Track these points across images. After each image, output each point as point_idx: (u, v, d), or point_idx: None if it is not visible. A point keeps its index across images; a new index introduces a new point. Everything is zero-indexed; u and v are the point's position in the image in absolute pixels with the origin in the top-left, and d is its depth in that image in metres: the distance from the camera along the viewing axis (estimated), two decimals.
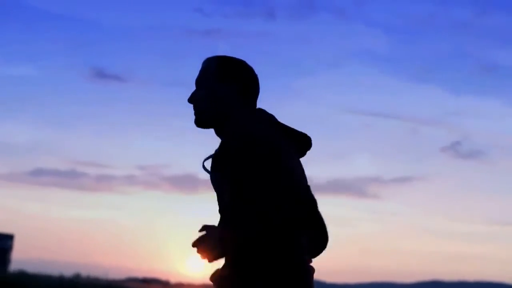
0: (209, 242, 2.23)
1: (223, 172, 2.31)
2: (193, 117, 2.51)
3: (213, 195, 2.46)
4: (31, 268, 24.12)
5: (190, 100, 2.51)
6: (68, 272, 23.58)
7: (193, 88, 2.53)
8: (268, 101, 2.59)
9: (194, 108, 2.51)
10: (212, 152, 2.39)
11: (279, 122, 2.45)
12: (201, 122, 2.50)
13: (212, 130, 2.51)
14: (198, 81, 2.52)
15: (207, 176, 2.40)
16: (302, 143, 2.47)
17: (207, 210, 2.66)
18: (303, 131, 2.48)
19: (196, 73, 2.56)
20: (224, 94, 2.46)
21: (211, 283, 2.39)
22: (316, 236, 2.38)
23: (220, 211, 2.40)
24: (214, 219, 2.51)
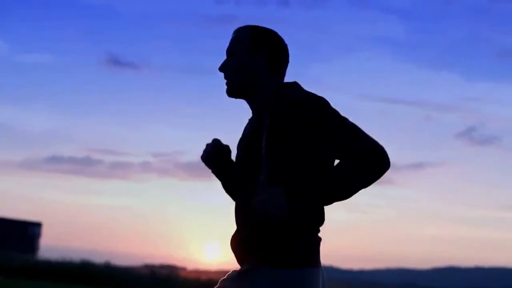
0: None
1: (290, 127, 2.34)
2: (224, 87, 2.54)
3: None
4: (54, 255, 24.59)
5: (221, 69, 2.53)
6: (85, 258, 24.05)
7: (207, 73, 2.67)
8: None
9: (225, 78, 2.52)
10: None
11: None
12: (233, 92, 2.52)
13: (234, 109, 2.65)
14: (230, 51, 2.53)
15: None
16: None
17: (222, 197, 2.67)
18: None
19: (210, 60, 2.50)
20: (256, 64, 2.48)
21: (226, 269, 2.45)
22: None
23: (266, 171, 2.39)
24: (228, 205, 2.59)
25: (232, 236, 2.48)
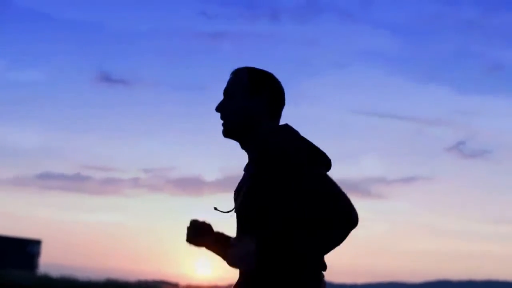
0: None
1: (270, 175, 2.36)
2: (220, 127, 2.55)
3: (218, 197, 2.58)
4: (55, 273, 24.54)
5: (218, 109, 2.54)
6: (81, 275, 24.03)
7: (198, 90, 2.64)
8: None
9: (222, 118, 2.53)
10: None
11: (304, 138, 2.48)
12: (230, 133, 2.53)
13: (227, 141, 2.58)
14: (228, 92, 2.54)
15: (212, 178, 2.57)
16: (324, 161, 2.46)
17: (213, 212, 2.70)
18: (309, 132, 2.51)
19: (201, 76, 2.59)
20: (254, 108, 2.49)
21: (219, 284, 2.60)
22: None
23: (243, 219, 2.46)
24: (220, 220, 2.63)
25: (234, 286, 2.49)
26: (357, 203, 2.33)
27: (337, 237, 2.30)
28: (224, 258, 2.59)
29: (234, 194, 2.59)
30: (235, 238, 2.37)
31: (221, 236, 2.62)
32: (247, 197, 2.43)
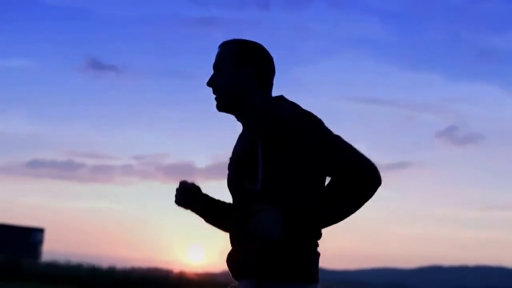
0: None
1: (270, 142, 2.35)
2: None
3: (210, 184, 2.52)
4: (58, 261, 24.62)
5: (209, 84, 2.54)
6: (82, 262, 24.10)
7: (188, 76, 2.88)
8: None
9: (214, 93, 2.54)
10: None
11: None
12: (223, 107, 2.53)
13: (222, 119, 2.58)
14: (217, 66, 2.54)
15: (204, 164, 2.60)
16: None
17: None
18: None
19: (192, 63, 2.81)
20: (243, 79, 2.49)
21: (213, 271, 2.49)
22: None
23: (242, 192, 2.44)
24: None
25: (229, 254, 2.50)
26: None
27: (365, 199, 2.30)
28: (219, 224, 2.65)
29: (229, 166, 2.58)
30: (255, 206, 2.31)
31: (211, 200, 2.66)
32: (252, 166, 2.39)
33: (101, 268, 23.97)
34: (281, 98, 2.50)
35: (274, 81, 2.56)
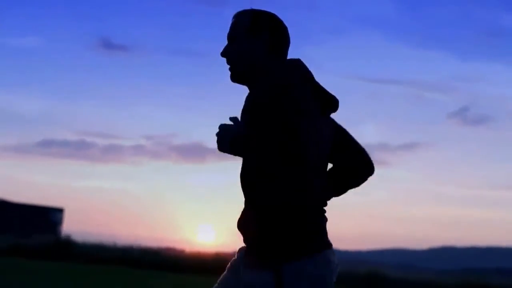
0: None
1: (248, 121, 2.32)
2: (225, 79, 2.51)
3: (221, 164, 2.54)
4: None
5: (223, 54, 2.52)
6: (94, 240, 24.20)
7: (198, 55, 2.67)
8: None
9: (228, 63, 2.51)
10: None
11: (312, 78, 2.47)
12: (237, 77, 2.50)
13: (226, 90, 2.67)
14: (231, 35, 2.52)
15: (215, 144, 2.40)
16: (329, 104, 2.49)
17: (215, 179, 2.62)
18: None
19: (201, 41, 2.65)
20: (257, 48, 2.47)
21: (223, 251, 2.51)
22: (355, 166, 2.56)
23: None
24: (222, 187, 2.62)
25: (240, 216, 2.45)
26: None
27: (356, 184, 2.52)
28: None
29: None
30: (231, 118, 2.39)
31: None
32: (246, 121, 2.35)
33: (134, 248, 23.94)
34: (292, 62, 2.47)
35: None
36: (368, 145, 2.68)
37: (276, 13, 2.54)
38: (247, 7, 2.54)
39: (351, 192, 2.61)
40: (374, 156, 2.55)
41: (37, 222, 35.26)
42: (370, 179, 2.60)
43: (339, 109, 2.49)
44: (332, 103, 2.49)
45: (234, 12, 2.58)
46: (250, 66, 2.46)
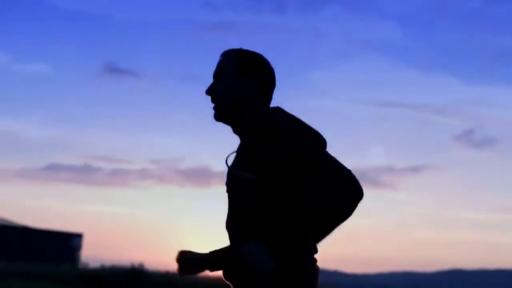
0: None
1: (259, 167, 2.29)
2: (211, 111, 2.48)
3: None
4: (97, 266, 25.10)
5: (208, 92, 2.47)
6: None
7: (204, 81, 2.50)
8: (280, 94, 2.56)
9: (213, 101, 2.47)
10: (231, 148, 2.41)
11: (299, 119, 2.37)
12: (220, 116, 2.46)
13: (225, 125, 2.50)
14: (217, 74, 2.48)
15: (221, 168, 2.37)
16: (321, 141, 2.35)
17: (221, 204, 2.55)
18: (317, 123, 2.38)
19: (208, 67, 2.50)
20: (244, 89, 2.42)
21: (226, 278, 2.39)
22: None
23: (234, 217, 2.40)
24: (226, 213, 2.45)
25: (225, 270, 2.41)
26: (366, 193, 2.27)
27: (346, 214, 2.23)
28: (223, 268, 2.43)
29: (226, 181, 2.50)
30: (239, 245, 2.30)
31: (214, 255, 2.42)
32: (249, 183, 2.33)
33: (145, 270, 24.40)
34: (277, 109, 2.41)
35: (283, 87, 2.52)
36: (375, 167, 2.55)
37: (284, 39, 2.67)
38: (251, 40, 2.63)
39: (359, 215, 2.40)
40: (381, 179, 2.47)
41: (58, 248, 35.53)
42: (376, 202, 2.52)
43: (347, 133, 2.57)
44: (323, 139, 2.38)
45: (240, 38, 2.75)
46: (236, 105, 2.42)
